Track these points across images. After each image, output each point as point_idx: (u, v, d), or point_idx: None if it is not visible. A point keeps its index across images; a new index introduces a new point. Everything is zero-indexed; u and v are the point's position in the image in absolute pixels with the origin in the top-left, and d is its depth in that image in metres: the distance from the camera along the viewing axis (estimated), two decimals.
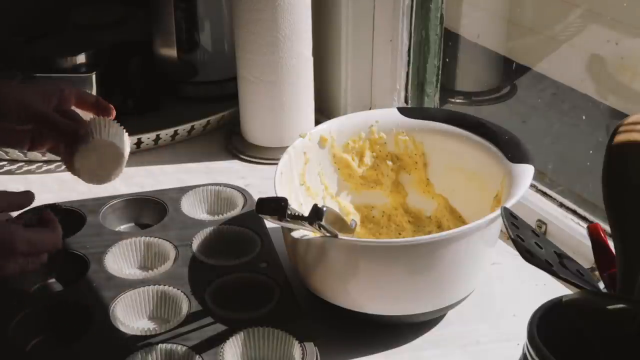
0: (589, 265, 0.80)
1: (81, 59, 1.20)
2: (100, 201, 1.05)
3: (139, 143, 1.22)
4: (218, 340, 0.83)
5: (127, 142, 0.91)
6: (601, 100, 1.33)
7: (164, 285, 0.91)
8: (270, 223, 0.92)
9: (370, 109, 1.26)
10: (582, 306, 0.64)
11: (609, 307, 0.62)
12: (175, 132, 1.24)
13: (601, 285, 0.69)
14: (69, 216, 1.02)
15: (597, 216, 0.98)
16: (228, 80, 1.31)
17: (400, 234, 1.03)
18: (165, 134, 1.24)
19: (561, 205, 1.02)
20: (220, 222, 1.01)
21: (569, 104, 1.41)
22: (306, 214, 0.78)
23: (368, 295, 0.85)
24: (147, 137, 1.22)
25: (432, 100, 1.22)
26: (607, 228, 0.68)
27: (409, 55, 1.20)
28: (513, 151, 0.92)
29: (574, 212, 1.01)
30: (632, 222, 0.65)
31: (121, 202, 1.05)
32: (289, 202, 0.77)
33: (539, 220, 1.02)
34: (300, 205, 0.96)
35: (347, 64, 1.25)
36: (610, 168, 0.66)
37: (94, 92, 1.20)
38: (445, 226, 1.00)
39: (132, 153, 1.21)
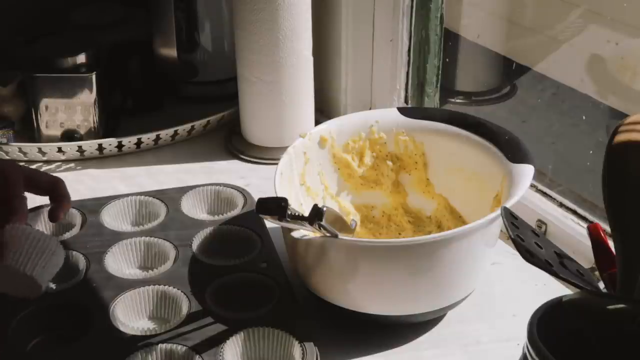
0: (589, 265, 0.80)
1: (81, 59, 1.20)
2: (100, 201, 1.05)
3: (139, 143, 1.22)
4: (218, 340, 0.83)
5: (50, 268, 0.80)
6: (601, 100, 1.33)
7: (164, 285, 0.91)
8: (270, 223, 0.92)
9: (370, 109, 1.26)
10: (582, 306, 0.64)
11: (609, 307, 0.62)
12: (175, 132, 1.24)
13: (601, 285, 0.69)
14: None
15: (597, 216, 0.98)
16: (228, 80, 1.31)
17: (400, 234, 1.03)
18: (165, 134, 1.24)
19: (561, 205, 1.02)
20: (220, 222, 1.01)
21: (569, 104, 1.41)
22: (306, 214, 0.78)
23: (368, 295, 0.85)
24: (147, 137, 1.22)
25: (432, 100, 1.22)
26: (607, 228, 0.68)
27: (409, 55, 1.20)
28: (513, 151, 0.92)
29: (574, 212, 1.01)
30: (632, 222, 0.65)
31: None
32: (289, 202, 0.77)
33: (539, 220, 1.02)
34: (300, 205, 0.96)
35: (347, 64, 1.25)
36: (610, 168, 0.66)
37: (93, 92, 1.20)
38: (445, 226, 1.00)
39: (132, 153, 1.22)
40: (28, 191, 0.85)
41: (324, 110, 1.29)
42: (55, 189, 0.86)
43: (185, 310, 0.88)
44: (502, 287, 0.96)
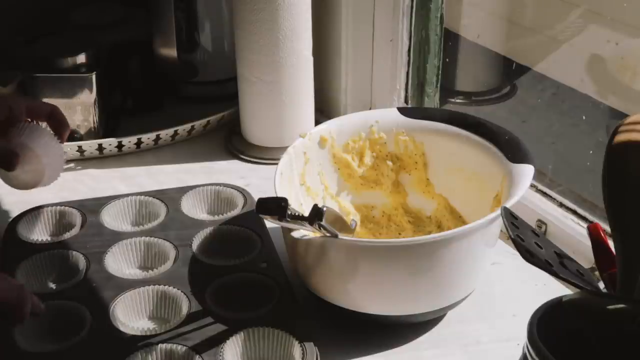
0: (589, 265, 0.80)
1: (81, 59, 1.20)
2: (100, 201, 1.05)
3: (139, 143, 1.22)
4: (218, 340, 0.83)
5: (54, 153, 0.96)
6: (601, 100, 1.32)
7: (164, 285, 0.91)
8: (270, 223, 0.92)
9: (370, 109, 1.26)
10: (582, 306, 0.64)
11: (609, 307, 0.62)
12: (175, 132, 1.24)
13: (601, 285, 0.69)
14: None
15: (597, 216, 0.98)
16: (228, 80, 1.31)
17: (400, 234, 1.03)
18: (165, 134, 1.24)
19: (561, 205, 1.02)
20: (220, 222, 1.01)
21: (569, 104, 1.41)
22: (306, 214, 0.78)
23: (368, 295, 0.85)
24: (147, 137, 1.22)
25: (432, 100, 1.22)
26: (607, 228, 0.68)
27: (409, 55, 1.20)
28: (513, 151, 0.92)
29: (574, 212, 1.01)
30: (632, 222, 0.65)
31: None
32: (289, 202, 0.77)
33: (539, 220, 1.02)
34: (300, 205, 0.96)
35: (347, 64, 1.25)
36: (610, 168, 0.66)
37: (93, 92, 1.20)
38: (445, 226, 1.00)
39: (132, 153, 1.22)
40: (30, 118, 0.96)
41: (324, 110, 1.29)
42: (52, 115, 0.98)
43: (185, 310, 0.88)
44: (502, 287, 0.96)
